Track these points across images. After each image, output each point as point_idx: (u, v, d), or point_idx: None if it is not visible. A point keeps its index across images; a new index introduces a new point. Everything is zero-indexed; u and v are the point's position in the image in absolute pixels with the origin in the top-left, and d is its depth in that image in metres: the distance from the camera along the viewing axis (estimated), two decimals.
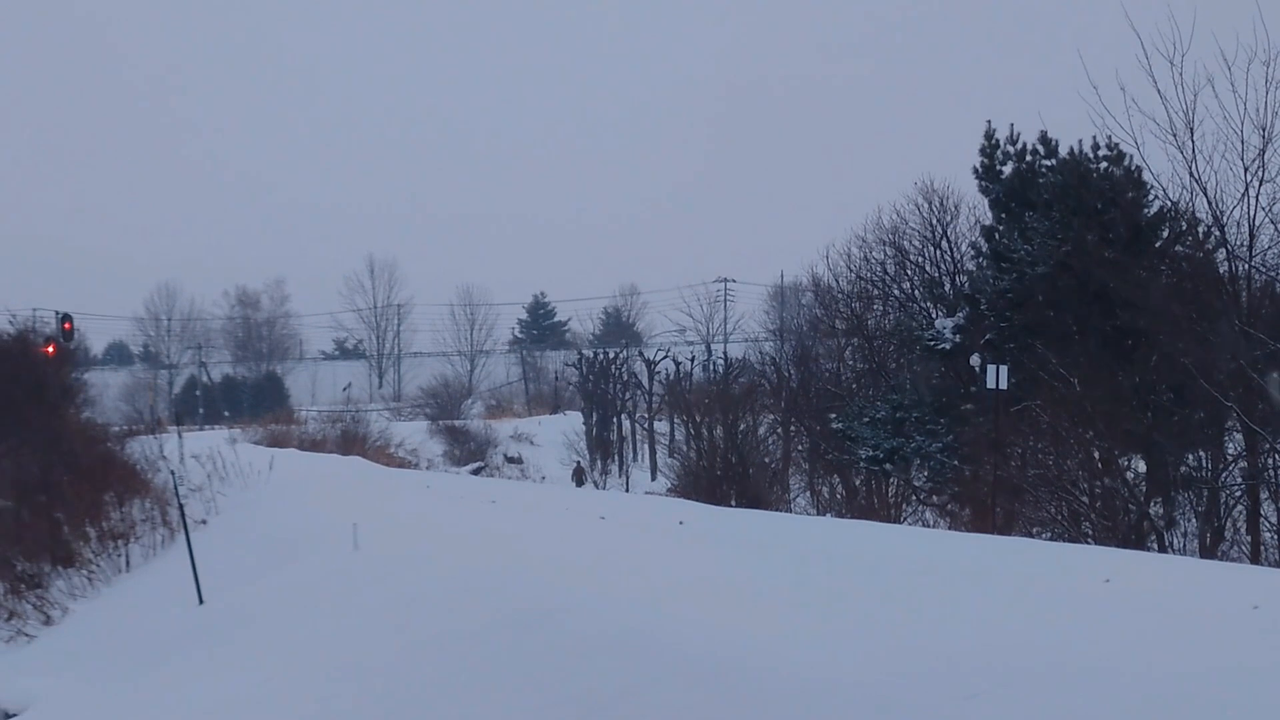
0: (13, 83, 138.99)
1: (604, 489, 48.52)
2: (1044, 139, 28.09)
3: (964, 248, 31.64)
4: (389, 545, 13.43)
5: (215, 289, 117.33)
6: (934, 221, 31.90)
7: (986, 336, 26.92)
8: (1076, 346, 24.46)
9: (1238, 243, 20.32)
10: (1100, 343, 24.42)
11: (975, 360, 25.55)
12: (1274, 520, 19.74)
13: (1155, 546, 19.77)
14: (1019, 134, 28.45)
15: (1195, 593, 8.69)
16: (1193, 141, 19.34)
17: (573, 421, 66.82)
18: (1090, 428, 20.66)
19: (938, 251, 32.10)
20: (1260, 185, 19.25)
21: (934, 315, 30.67)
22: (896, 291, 33.08)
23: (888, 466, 28.78)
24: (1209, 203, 20.09)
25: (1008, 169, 28.48)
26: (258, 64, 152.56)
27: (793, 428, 37.64)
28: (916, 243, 32.40)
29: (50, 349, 26.97)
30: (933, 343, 28.59)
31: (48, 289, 77.35)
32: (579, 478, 53.07)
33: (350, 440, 40.90)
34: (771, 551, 11.46)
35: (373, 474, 24.62)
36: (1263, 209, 19.49)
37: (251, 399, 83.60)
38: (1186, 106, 19.05)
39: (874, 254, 33.47)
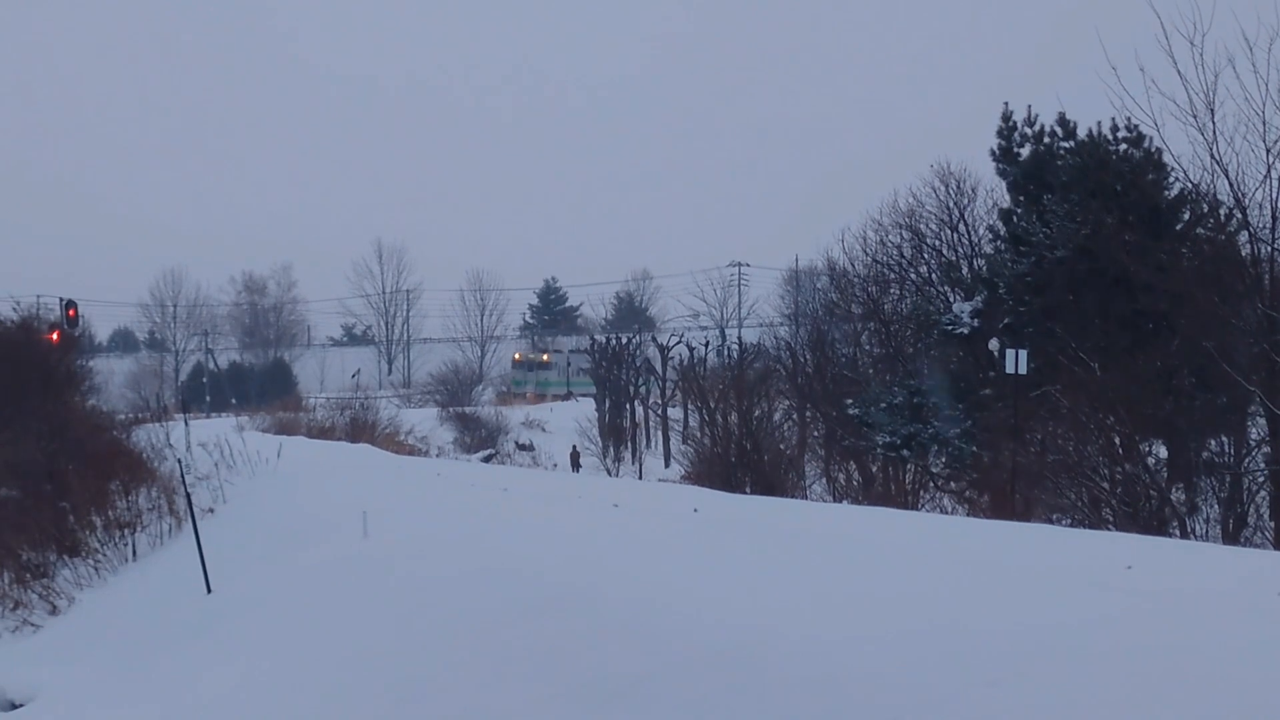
0: (16, 66, 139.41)
1: (616, 476, 48.39)
2: (1062, 120, 27.80)
3: (981, 231, 31.44)
4: (398, 533, 13.30)
5: (222, 275, 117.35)
6: (951, 204, 31.70)
7: (1005, 321, 26.68)
8: (1096, 331, 24.23)
9: (1260, 225, 20.15)
10: (1120, 327, 24.17)
11: (994, 345, 25.35)
12: None
13: (1177, 533, 19.57)
14: (1036, 115, 28.22)
15: (1217, 579, 8.68)
16: (1213, 123, 19.15)
17: (585, 408, 66.61)
18: (1111, 413, 20.47)
19: (955, 235, 31.87)
20: None
21: (951, 299, 30.41)
22: (913, 275, 32.85)
23: (905, 453, 28.56)
24: (1231, 184, 19.91)
25: (1025, 151, 28.23)
26: (265, 51, 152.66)
27: (808, 414, 37.41)
28: (933, 226, 32.20)
29: (55, 336, 26.77)
30: (950, 327, 28.33)
31: (52, 275, 77.60)
32: (575, 462, 52.63)
33: (359, 427, 40.85)
34: (787, 539, 11.30)
35: (382, 461, 24.52)
36: None
37: (259, 386, 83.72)
38: (1207, 87, 18.83)
39: (890, 237, 33.29)
